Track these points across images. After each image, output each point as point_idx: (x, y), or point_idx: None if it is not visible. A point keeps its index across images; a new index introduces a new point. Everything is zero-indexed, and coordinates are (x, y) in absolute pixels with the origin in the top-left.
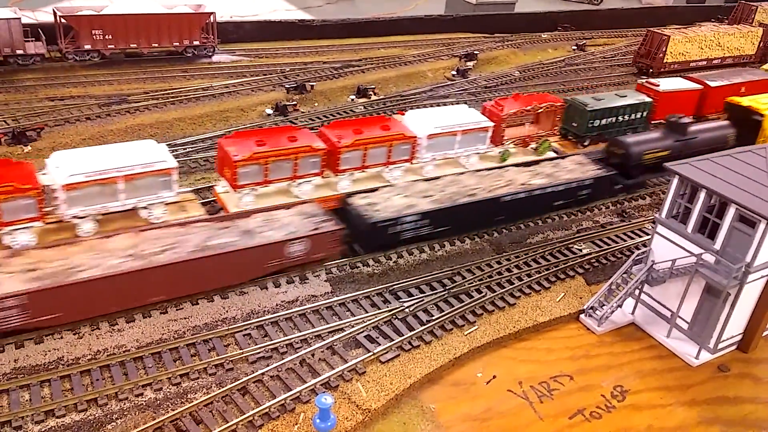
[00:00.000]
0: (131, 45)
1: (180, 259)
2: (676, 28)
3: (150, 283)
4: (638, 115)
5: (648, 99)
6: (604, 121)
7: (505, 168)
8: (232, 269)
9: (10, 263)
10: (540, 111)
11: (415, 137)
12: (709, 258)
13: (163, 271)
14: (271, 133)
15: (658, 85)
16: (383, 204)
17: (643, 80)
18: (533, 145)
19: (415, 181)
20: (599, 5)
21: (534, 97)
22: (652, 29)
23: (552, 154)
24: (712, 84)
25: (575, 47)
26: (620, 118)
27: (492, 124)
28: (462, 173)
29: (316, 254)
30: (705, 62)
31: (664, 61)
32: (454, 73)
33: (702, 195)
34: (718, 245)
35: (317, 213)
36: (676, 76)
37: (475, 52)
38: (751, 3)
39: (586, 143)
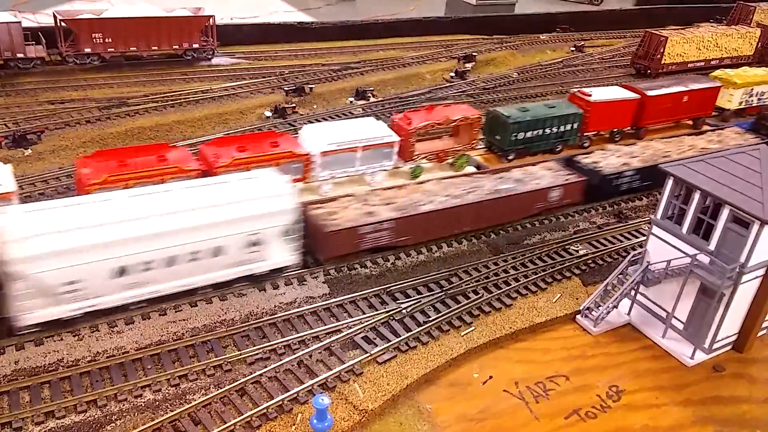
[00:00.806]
0: (131, 48)
1: (484, 198)
2: (674, 29)
3: (463, 216)
4: (568, 127)
5: (578, 110)
6: (529, 134)
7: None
8: (514, 209)
9: (372, 199)
10: (453, 124)
11: (307, 155)
12: (704, 259)
13: (473, 207)
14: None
15: (590, 95)
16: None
17: (575, 90)
18: (450, 159)
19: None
20: (599, 5)
21: (449, 109)
22: (650, 30)
23: (472, 169)
24: (651, 93)
25: (573, 48)
26: (548, 130)
27: (398, 138)
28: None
29: (565, 200)
30: (703, 63)
31: (662, 62)
32: (453, 74)
33: (696, 196)
34: (712, 246)
35: (560, 168)
36: (676, 75)
37: (474, 53)
38: (750, 3)
39: (510, 157)
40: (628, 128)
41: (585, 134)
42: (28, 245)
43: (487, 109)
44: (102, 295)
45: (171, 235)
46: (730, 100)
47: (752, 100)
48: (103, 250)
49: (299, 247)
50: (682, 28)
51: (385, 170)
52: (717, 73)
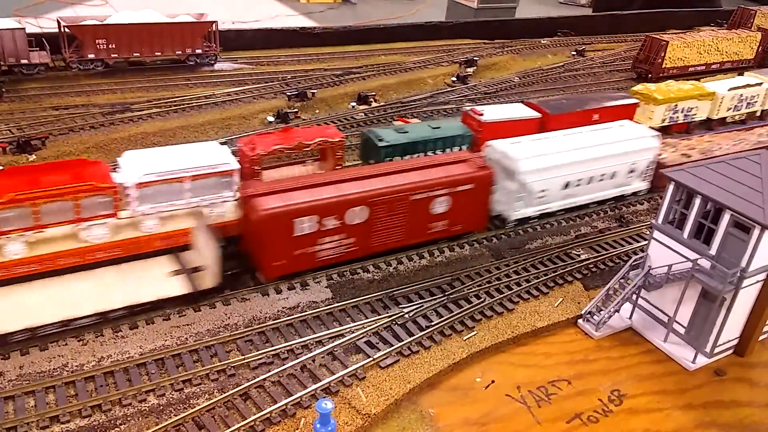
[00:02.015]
0: (134, 54)
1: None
2: (675, 33)
3: None
4: (455, 150)
5: (467, 130)
6: (407, 158)
7: None
8: None
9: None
10: (309, 148)
11: (115, 187)
12: (705, 263)
13: None
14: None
15: (482, 114)
16: None
17: (469, 108)
18: None
19: None
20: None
21: (308, 131)
22: (650, 34)
23: None
24: (553, 112)
25: (575, 53)
26: (431, 154)
27: (236, 166)
28: None
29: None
30: (704, 67)
31: (663, 66)
32: (454, 79)
33: (697, 201)
34: (713, 251)
35: None
36: (682, 78)
37: (475, 58)
38: (750, 7)
39: None
40: None
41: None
42: (529, 163)
43: (362, 131)
44: (552, 201)
45: (595, 161)
46: (651, 117)
47: (677, 117)
48: (560, 169)
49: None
50: (682, 33)
51: (226, 202)
52: (637, 87)
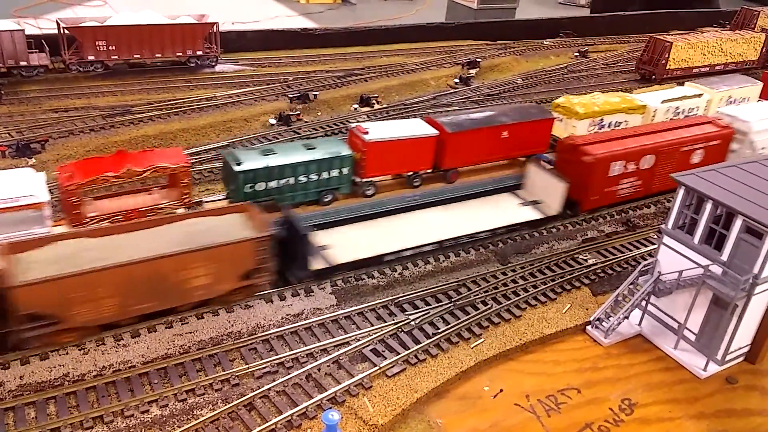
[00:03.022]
0: (134, 56)
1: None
2: (679, 35)
3: None
4: (335, 173)
5: (348, 151)
6: (273, 183)
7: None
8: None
9: None
10: (142, 176)
11: None
12: (717, 269)
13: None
14: None
15: (366, 132)
16: None
17: (354, 125)
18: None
19: None
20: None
21: (142, 156)
22: (654, 35)
23: None
24: (453, 130)
25: (577, 54)
26: (304, 178)
27: (45, 199)
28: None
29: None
30: (708, 68)
31: (667, 67)
32: (457, 81)
33: (708, 206)
34: (725, 257)
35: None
36: (679, 82)
37: (478, 59)
38: (754, 8)
39: None
40: (429, 171)
41: (366, 180)
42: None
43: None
44: None
45: None
46: (574, 132)
47: None
48: None
49: None
50: (686, 34)
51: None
52: (559, 101)
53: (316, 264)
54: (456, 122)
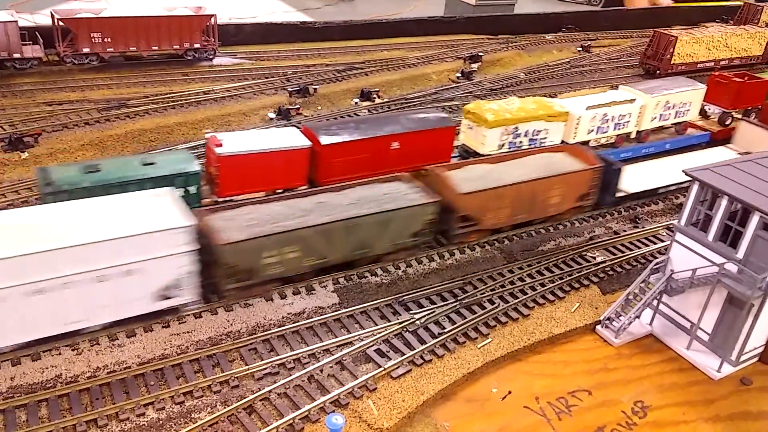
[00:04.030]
0: (131, 48)
1: None
2: (683, 29)
3: None
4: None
5: (193, 167)
6: None
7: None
8: None
9: None
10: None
11: None
12: (732, 267)
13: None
14: None
15: (220, 144)
16: None
17: (210, 135)
18: None
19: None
20: (598, 5)
21: None
22: (659, 30)
23: None
24: (327, 141)
25: (580, 48)
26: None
27: None
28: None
29: None
30: (712, 63)
31: (672, 62)
32: (459, 75)
33: (723, 202)
34: (740, 254)
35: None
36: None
37: (480, 53)
38: (758, 3)
39: None
40: (303, 187)
41: (221, 199)
42: None
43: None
44: None
45: None
46: (484, 142)
47: (520, 142)
48: None
49: None
50: (690, 28)
51: None
52: (469, 106)
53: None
54: (335, 132)
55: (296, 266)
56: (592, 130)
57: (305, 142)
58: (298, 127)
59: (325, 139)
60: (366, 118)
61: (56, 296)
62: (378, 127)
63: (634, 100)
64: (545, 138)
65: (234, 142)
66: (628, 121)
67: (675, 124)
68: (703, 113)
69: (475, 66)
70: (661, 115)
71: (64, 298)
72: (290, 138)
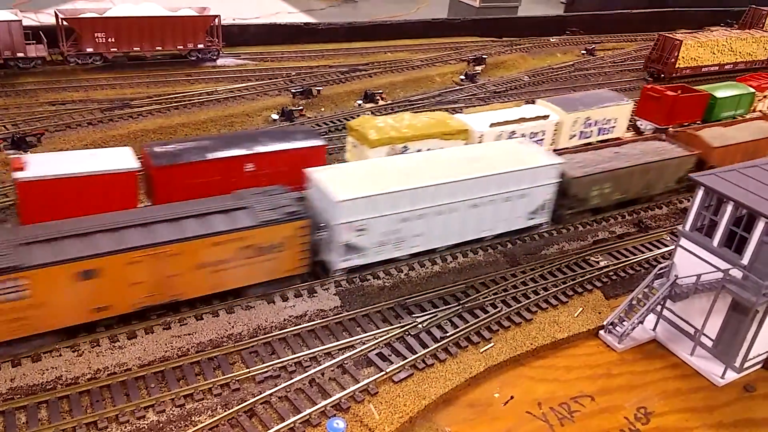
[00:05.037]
0: (134, 48)
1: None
2: (688, 33)
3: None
4: None
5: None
6: None
7: None
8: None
9: None
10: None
11: None
12: (737, 273)
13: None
14: None
15: (22, 168)
16: None
17: (13, 156)
18: None
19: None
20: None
21: None
22: (663, 33)
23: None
24: (161, 162)
25: (584, 52)
26: None
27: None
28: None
29: None
30: (717, 67)
31: (676, 66)
32: (463, 77)
33: (729, 207)
34: (746, 260)
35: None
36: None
37: (484, 56)
38: (762, 8)
39: None
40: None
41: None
42: None
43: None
44: None
45: None
46: None
47: None
48: None
49: None
50: (695, 32)
51: None
52: (353, 123)
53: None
54: (175, 153)
55: (607, 199)
56: None
57: (129, 165)
58: (219, 139)
59: (158, 161)
60: (222, 136)
61: (481, 210)
62: (230, 146)
63: (548, 116)
64: None
65: (41, 165)
66: (542, 140)
67: (600, 142)
68: (636, 130)
69: (478, 68)
70: (581, 132)
71: (485, 212)
72: (114, 160)
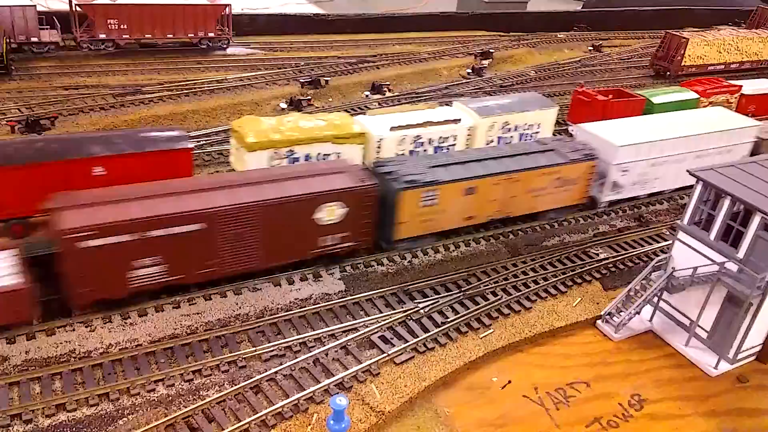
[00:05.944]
0: (146, 35)
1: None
2: (695, 31)
3: None
4: None
5: None
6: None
7: None
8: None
9: None
10: None
11: None
12: (732, 267)
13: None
14: None
15: None
16: None
17: None
18: None
19: None
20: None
21: None
22: (670, 31)
23: None
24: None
25: (591, 48)
26: None
27: None
28: None
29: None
30: (723, 66)
31: (683, 64)
32: (470, 71)
33: (726, 202)
34: (741, 254)
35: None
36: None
37: (491, 50)
38: None
39: None
40: None
41: None
42: None
43: None
44: None
45: None
46: (245, 168)
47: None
48: None
49: None
50: (702, 31)
51: None
52: (235, 123)
53: None
54: (5, 154)
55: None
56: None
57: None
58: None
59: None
60: (70, 136)
61: (701, 161)
62: (76, 148)
63: (459, 120)
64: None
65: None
66: (453, 145)
67: None
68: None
69: (485, 63)
70: (499, 138)
71: (704, 163)
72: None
